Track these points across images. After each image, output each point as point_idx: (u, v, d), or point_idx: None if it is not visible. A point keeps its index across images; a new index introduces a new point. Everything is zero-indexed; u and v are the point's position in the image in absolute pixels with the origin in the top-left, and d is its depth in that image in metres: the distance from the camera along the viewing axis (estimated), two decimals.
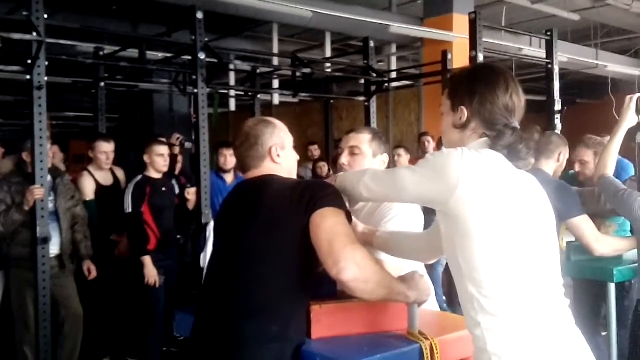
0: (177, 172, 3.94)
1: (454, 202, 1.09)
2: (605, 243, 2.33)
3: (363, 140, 1.71)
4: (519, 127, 1.18)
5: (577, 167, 2.68)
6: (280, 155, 1.41)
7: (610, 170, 2.37)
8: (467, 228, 1.09)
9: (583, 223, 2.30)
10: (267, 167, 1.40)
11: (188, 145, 4.11)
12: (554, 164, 2.49)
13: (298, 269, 1.25)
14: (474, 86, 1.19)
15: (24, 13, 2.62)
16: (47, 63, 2.64)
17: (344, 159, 1.71)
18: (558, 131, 3.86)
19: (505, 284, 1.09)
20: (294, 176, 1.49)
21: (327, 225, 1.20)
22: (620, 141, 2.40)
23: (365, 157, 1.70)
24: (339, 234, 1.19)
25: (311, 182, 1.39)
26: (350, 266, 1.13)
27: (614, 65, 7.70)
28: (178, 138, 4.01)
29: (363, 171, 1.37)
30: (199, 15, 3.21)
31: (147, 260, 3.11)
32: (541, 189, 1.20)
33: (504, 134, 1.15)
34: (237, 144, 1.44)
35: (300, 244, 1.23)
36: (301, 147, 5.64)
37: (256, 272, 1.25)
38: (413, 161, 4.61)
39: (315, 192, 1.26)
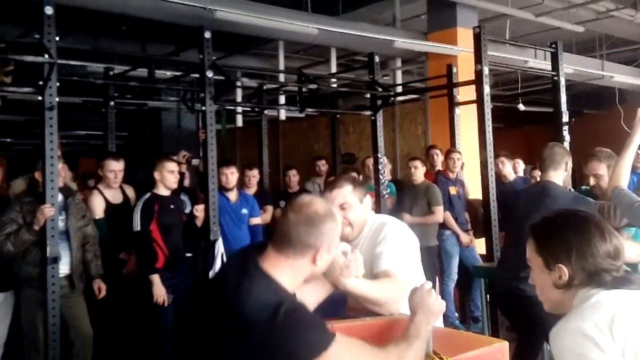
0: (188, 184, 3.93)
1: None
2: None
3: (346, 194, 1.78)
4: (624, 266, 1.08)
5: (592, 181, 2.68)
6: (322, 258, 1.21)
7: (624, 182, 2.35)
8: None
9: None
10: (294, 264, 1.18)
11: (195, 162, 4.11)
12: (562, 173, 2.55)
13: None
14: (566, 239, 1.06)
15: (36, 36, 2.67)
16: (58, 84, 2.68)
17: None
18: (567, 143, 3.86)
19: None
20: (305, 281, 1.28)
21: None
22: (634, 153, 2.38)
23: (354, 207, 1.77)
24: None
25: (289, 322, 1.11)
26: None
27: (620, 76, 7.66)
28: (184, 155, 3.99)
29: None
30: (207, 34, 3.25)
31: (156, 278, 3.10)
32: None
33: (617, 279, 1.06)
34: (294, 210, 1.21)
35: None
36: (308, 163, 5.66)
37: None
38: (427, 174, 4.59)
39: (295, 342, 1.09)
